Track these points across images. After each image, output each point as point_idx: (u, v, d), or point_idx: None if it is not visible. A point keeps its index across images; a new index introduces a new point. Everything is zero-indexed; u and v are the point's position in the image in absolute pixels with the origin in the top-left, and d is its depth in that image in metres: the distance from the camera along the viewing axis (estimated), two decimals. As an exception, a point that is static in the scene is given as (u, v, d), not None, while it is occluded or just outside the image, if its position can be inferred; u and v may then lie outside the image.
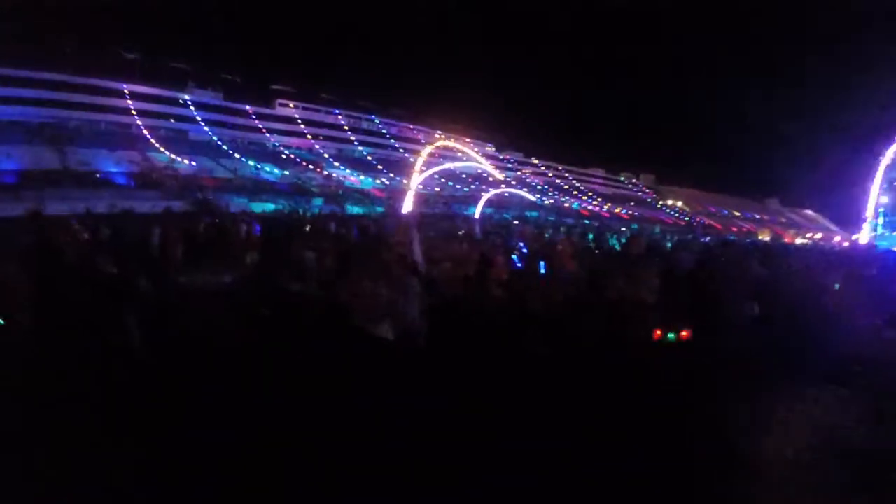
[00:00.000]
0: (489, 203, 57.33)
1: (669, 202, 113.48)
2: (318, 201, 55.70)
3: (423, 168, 58.78)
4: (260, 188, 58.55)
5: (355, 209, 52.96)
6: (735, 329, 6.08)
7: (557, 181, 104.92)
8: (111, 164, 52.55)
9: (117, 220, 16.19)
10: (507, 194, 73.94)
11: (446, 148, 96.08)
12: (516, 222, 38.66)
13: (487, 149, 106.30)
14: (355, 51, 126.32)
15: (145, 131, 61.98)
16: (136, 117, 62.87)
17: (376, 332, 4.64)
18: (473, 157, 70.39)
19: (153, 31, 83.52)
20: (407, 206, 47.02)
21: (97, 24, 63.40)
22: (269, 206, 46.22)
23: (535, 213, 68.16)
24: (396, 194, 63.88)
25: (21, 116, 53.04)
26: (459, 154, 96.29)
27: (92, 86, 60.21)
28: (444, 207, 58.09)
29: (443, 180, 76.21)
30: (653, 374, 4.45)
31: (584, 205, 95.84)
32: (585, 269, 8.38)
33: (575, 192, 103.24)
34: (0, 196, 38.87)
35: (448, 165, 65.12)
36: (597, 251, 15.26)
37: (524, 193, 74.98)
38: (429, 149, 61.22)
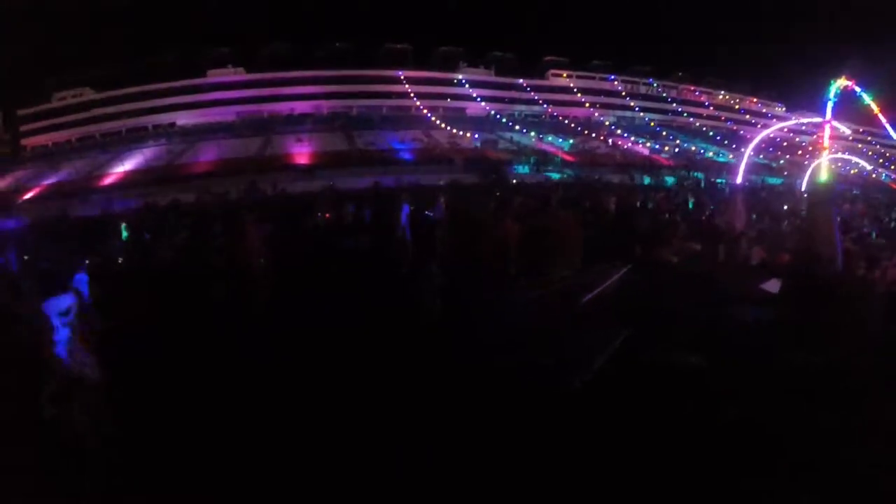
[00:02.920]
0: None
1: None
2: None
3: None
4: (548, 160, 53.65)
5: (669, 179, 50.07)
6: None
7: (859, 146, 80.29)
8: (395, 144, 52.24)
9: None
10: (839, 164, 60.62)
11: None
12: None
13: (777, 110, 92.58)
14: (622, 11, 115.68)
15: (425, 111, 62.42)
16: (415, 99, 64.00)
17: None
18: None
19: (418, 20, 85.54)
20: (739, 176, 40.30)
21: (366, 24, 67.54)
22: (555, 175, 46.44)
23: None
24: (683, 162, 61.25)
25: (312, 109, 59.65)
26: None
27: (370, 76, 63.43)
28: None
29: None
30: None
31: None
32: None
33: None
34: (298, 176, 39.10)
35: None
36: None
37: (863, 162, 61.83)
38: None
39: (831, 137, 68.46)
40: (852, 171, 65.70)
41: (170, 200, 31.73)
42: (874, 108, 37.93)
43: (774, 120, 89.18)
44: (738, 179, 41.70)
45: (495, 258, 8.96)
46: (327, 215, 17.88)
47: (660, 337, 5.73)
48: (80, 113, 57.27)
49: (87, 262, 10.25)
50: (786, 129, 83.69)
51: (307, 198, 29.16)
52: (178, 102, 58.14)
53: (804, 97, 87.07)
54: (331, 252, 12.24)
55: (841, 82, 33.54)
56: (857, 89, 35.05)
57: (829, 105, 34.35)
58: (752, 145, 42.68)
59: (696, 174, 53.21)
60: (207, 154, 46.45)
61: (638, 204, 23.62)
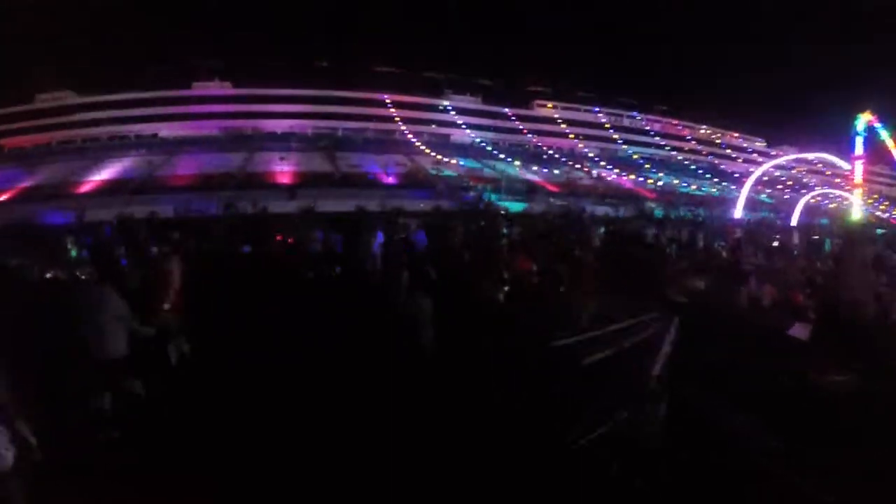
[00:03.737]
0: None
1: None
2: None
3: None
4: (530, 188, 54.10)
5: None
6: None
7: (837, 180, 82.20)
8: (378, 167, 51.99)
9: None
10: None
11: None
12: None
13: (758, 144, 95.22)
14: (609, 45, 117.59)
15: (409, 136, 62.79)
16: (400, 124, 64.29)
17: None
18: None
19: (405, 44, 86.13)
20: (738, 211, 43.25)
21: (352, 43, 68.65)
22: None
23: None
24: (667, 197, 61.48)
25: (297, 128, 59.69)
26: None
27: (357, 98, 63.55)
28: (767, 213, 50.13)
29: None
30: None
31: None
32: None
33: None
34: (279, 195, 38.84)
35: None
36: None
37: (854, 198, 60.18)
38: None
39: (824, 173, 69.90)
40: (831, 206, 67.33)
41: (148, 213, 31.41)
42: (890, 144, 37.05)
43: (755, 154, 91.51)
44: (738, 214, 41.56)
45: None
46: (290, 240, 17.35)
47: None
48: (61, 116, 56.59)
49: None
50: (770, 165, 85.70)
51: (277, 219, 29.02)
52: (162, 113, 57.64)
53: (785, 132, 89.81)
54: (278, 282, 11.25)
55: (865, 117, 33.34)
56: (878, 125, 34.80)
57: (859, 140, 33.68)
58: (750, 180, 42.68)
59: (694, 209, 53.40)
60: (188, 167, 45.93)
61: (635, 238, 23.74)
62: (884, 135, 35.80)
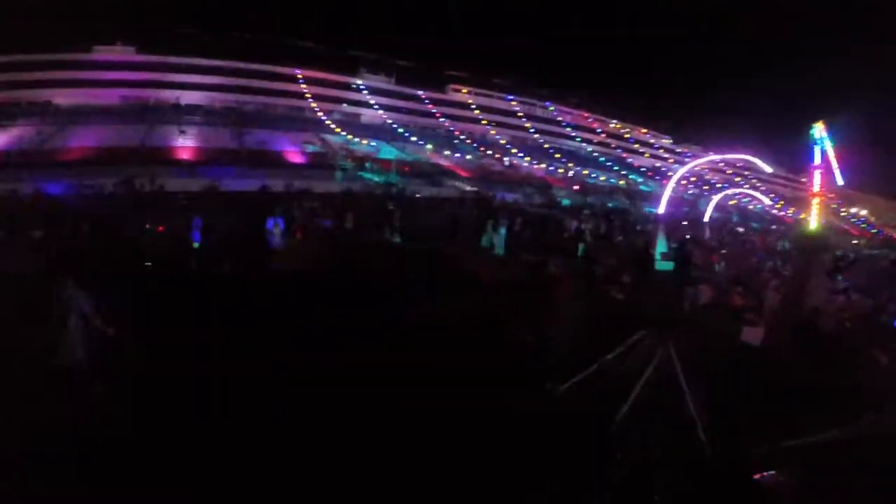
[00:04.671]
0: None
1: (854, 210, 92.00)
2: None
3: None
4: (442, 172, 54.89)
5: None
6: None
7: (737, 179, 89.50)
8: (287, 145, 51.16)
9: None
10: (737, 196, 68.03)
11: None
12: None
13: (664, 141, 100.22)
14: (530, 35, 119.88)
15: (320, 114, 61.86)
16: (311, 100, 63.10)
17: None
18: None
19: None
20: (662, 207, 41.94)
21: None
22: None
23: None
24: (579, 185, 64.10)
25: (203, 101, 57.01)
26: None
27: (267, 72, 61.49)
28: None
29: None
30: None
31: (768, 208, 79.62)
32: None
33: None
34: (177, 171, 37.98)
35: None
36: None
37: (762, 197, 65.78)
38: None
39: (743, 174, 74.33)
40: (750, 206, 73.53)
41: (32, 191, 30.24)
42: (831, 154, 39.02)
43: (661, 150, 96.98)
44: (661, 210, 42.77)
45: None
46: (160, 228, 16.32)
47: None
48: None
49: None
50: (670, 160, 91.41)
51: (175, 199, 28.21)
52: (58, 78, 53.40)
53: (693, 132, 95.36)
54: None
55: (819, 126, 34.43)
56: (825, 135, 36.24)
57: (818, 149, 34.27)
58: (676, 176, 44.38)
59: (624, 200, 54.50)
60: (84, 139, 43.39)
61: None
62: (828, 145, 38.20)
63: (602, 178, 73.56)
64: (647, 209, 58.55)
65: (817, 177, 36.05)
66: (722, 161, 74.79)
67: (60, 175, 33.84)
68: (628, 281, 12.40)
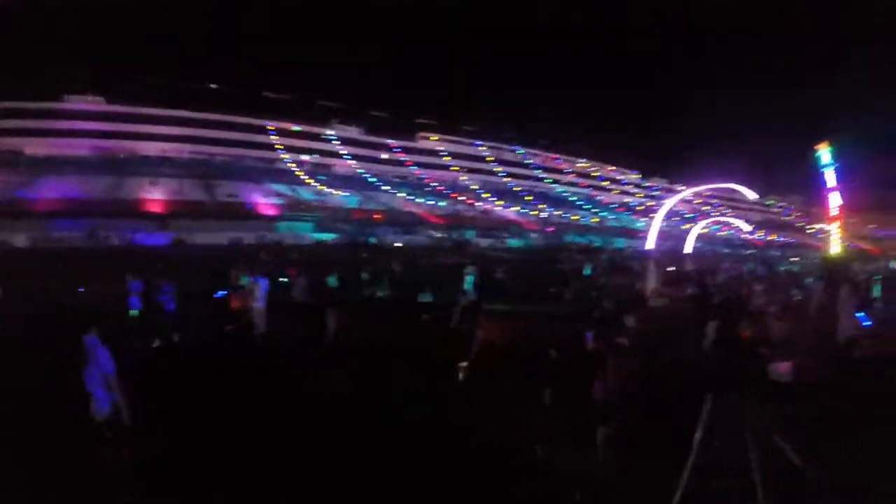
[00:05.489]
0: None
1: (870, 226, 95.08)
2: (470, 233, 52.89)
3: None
4: (415, 220, 55.91)
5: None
6: None
7: (704, 208, 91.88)
8: (258, 197, 51.28)
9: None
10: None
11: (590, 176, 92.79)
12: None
13: (632, 177, 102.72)
14: (494, 82, 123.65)
15: (291, 165, 62.21)
16: (282, 152, 63.39)
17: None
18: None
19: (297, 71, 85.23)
20: (650, 242, 43.31)
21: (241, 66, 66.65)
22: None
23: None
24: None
25: (173, 152, 56.60)
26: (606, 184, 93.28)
27: (237, 123, 61.60)
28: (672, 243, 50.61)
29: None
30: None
31: (738, 233, 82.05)
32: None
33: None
34: (146, 225, 38.18)
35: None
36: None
37: (741, 223, 67.80)
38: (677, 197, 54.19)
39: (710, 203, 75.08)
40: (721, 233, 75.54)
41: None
42: (828, 179, 34.36)
43: (630, 186, 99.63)
44: (650, 245, 41.67)
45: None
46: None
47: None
48: None
49: None
50: (639, 195, 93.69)
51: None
52: (29, 127, 52.98)
53: (661, 165, 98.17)
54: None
55: (823, 148, 32.67)
56: (825, 160, 33.69)
57: (830, 172, 32.58)
58: (663, 211, 43.84)
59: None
60: (51, 190, 42.73)
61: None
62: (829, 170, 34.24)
63: (574, 217, 75.11)
64: (620, 244, 59.72)
65: (834, 199, 33.18)
66: (708, 190, 77.01)
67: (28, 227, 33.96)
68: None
